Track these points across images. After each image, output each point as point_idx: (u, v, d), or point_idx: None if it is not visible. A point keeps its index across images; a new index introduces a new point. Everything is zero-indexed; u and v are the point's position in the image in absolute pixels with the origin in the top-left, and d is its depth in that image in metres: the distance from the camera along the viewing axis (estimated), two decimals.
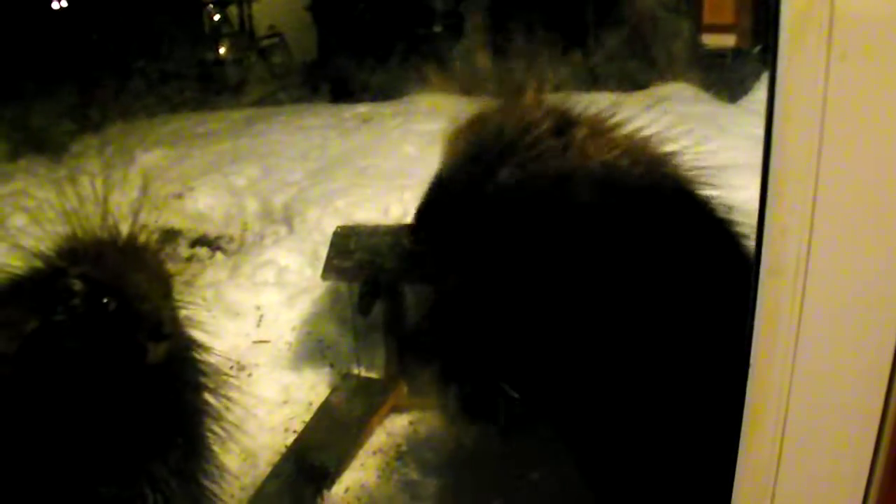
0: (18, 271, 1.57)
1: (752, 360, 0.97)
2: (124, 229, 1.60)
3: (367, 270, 2.58)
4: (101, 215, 1.59)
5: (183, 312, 1.72)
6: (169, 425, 1.70)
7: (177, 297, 1.67)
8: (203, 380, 1.78)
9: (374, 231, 2.73)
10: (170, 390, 1.69)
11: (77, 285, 1.49)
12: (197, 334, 1.78)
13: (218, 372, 1.81)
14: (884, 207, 0.87)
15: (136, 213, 1.63)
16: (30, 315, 1.49)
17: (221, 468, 1.87)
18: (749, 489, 1.05)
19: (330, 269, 2.63)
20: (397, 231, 2.73)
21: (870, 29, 0.81)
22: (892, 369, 0.95)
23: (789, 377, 0.97)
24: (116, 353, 1.49)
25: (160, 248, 1.70)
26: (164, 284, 1.62)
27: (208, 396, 1.80)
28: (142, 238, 1.64)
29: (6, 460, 1.54)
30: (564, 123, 1.60)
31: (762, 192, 0.90)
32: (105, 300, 1.48)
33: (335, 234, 2.72)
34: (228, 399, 1.82)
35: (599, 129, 1.63)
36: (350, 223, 2.93)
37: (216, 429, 1.83)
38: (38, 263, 1.59)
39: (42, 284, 1.52)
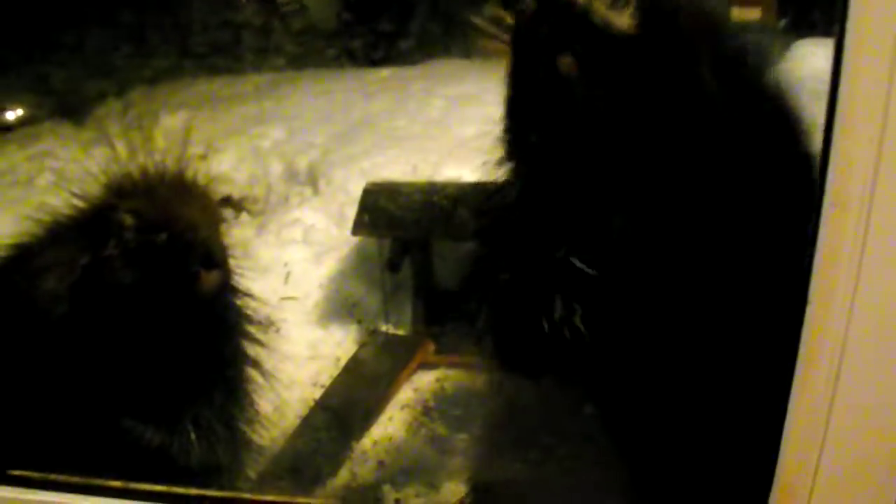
0: (69, 211, 1.59)
1: (810, 297, 0.97)
2: (171, 166, 1.62)
3: (398, 227, 2.59)
4: (146, 154, 1.61)
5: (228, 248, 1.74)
6: (215, 367, 1.72)
7: (223, 230, 1.68)
8: (245, 325, 1.80)
9: (405, 188, 2.74)
10: (216, 331, 1.71)
11: (128, 220, 1.51)
12: (239, 281, 1.80)
13: (258, 319, 1.83)
14: None
15: (182, 149, 1.64)
16: (82, 252, 1.52)
17: (259, 415, 1.90)
18: (800, 430, 1.06)
19: (360, 225, 2.65)
20: (427, 188, 2.74)
21: None
22: None
23: (847, 316, 0.97)
24: (170, 281, 1.52)
25: (207, 181, 1.71)
26: (211, 216, 1.63)
27: (248, 343, 1.82)
28: (188, 173, 1.66)
29: (63, 394, 1.57)
30: None
31: (827, 125, 0.90)
32: (156, 232, 1.50)
33: (365, 190, 2.74)
34: (266, 346, 1.84)
35: None
36: (380, 180, 2.93)
37: (255, 375, 1.86)
38: (85, 204, 1.61)
39: (93, 221, 1.54)
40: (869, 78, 0.84)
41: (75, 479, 1.44)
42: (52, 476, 1.45)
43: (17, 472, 1.48)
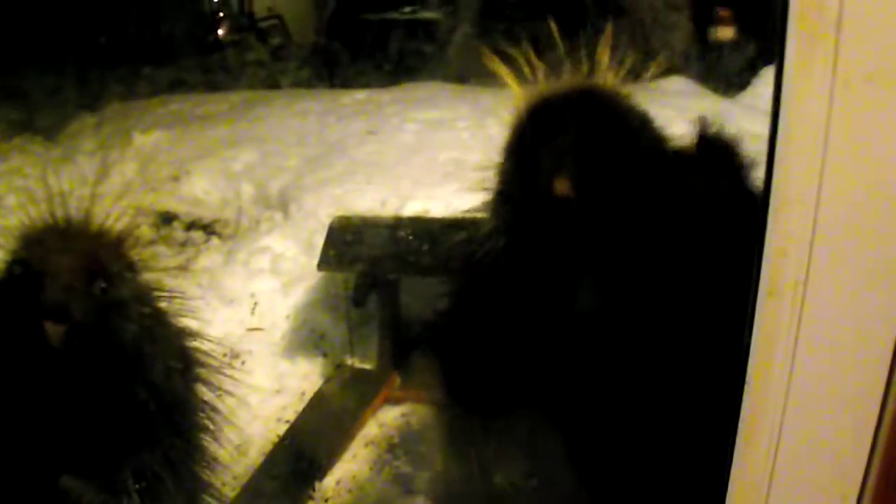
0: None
1: (748, 377, 0.97)
2: (77, 213, 1.60)
3: (364, 262, 2.58)
4: (51, 199, 1.59)
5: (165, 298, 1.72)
6: (156, 415, 1.70)
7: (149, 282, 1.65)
8: (195, 369, 1.78)
9: (371, 222, 2.73)
10: (157, 379, 1.68)
11: (16, 269, 1.51)
12: (189, 322, 1.78)
13: (211, 361, 1.81)
14: (882, 230, 0.88)
15: (93, 196, 1.62)
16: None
17: (214, 458, 1.88)
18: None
19: (326, 260, 2.63)
20: (394, 223, 2.73)
21: (875, 55, 0.81)
22: (885, 389, 0.95)
23: (785, 394, 0.97)
24: (17, 333, 1.50)
25: (120, 233, 1.67)
26: (100, 266, 1.58)
27: (200, 386, 1.80)
28: (93, 222, 1.63)
29: None
30: None
31: (762, 214, 0.90)
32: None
33: (332, 225, 2.72)
34: (221, 389, 1.82)
35: None
36: (347, 214, 2.92)
37: (208, 418, 1.84)
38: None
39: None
40: (800, 172, 0.84)
41: None
42: None
43: None
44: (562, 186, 1.36)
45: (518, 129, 1.47)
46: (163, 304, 1.77)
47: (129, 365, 1.62)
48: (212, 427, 1.85)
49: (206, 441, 1.85)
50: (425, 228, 2.62)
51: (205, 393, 1.82)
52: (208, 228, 3.95)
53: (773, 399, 0.97)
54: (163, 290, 1.77)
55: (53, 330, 1.50)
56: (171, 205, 4.01)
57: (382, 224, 2.70)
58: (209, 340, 1.80)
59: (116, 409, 1.62)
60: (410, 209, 3.15)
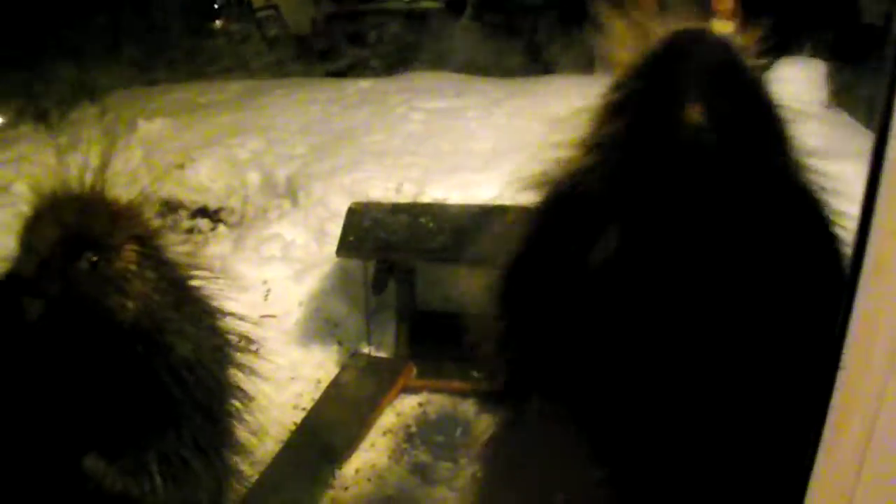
0: None
1: (843, 363, 0.93)
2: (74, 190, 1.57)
3: (384, 249, 2.55)
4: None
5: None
6: (182, 397, 1.66)
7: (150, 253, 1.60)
8: (227, 350, 1.74)
9: (390, 209, 2.69)
10: (181, 359, 1.64)
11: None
12: (219, 302, 1.74)
13: (242, 343, 1.78)
14: None
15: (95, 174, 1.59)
16: None
17: (241, 444, 1.85)
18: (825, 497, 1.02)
19: (345, 247, 2.59)
20: (413, 209, 2.70)
21: None
22: None
23: (882, 383, 0.93)
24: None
25: (123, 208, 1.63)
26: (89, 239, 1.54)
27: (231, 368, 1.77)
28: (87, 197, 1.59)
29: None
30: None
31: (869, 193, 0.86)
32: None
33: (350, 211, 2.69)
34: (252, 372, 1.79)
35: None
36: (364, 200, 2.89)
37: (238, 403, 1.80)
38: None
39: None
40: None
41: None
42: None
43: None
44: (693, 114, 1.26)
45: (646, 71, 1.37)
46: (188, 283, 1.73)
47: (143, 342, 1.57)
48: (241, 412, 1.82)
49: (235, 426, 1.82)
50: (447, 215, 2.59)
51: (235, 376, 1.78)
52: (214, 216, 3.91)
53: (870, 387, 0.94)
54: (186, 268, 1.73)
55: (29, 304, 1.47)
56: (176, 192, 3.97)
57: (402, 210, 2.67)
58: (242, 320, 1.76)
59: (137, 389, 1.59)
60: (429, 196, 3.12)
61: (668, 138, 1.29)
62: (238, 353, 1.78)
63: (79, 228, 1.52)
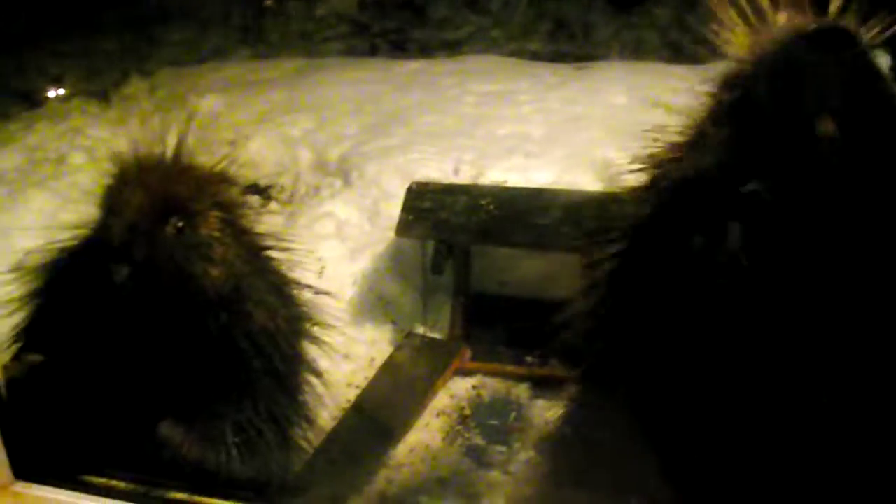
0: None
1: None
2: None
3: (444, 230, 2.53)
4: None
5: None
6: (260, 367, 1.66)
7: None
8: (304, 323, 1.74)
9: (449, 190, 2.68)
10: (259, 328, 1.65)
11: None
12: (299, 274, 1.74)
13: (319, 317, 1.77)
14: None
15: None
16: None
17: (313, 418, 1.85)
18: None
19: (404, 226, 2.58)
20: (472, 191, 2.68)
21: None
22: None
23: None
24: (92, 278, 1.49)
25: (207, 174, 1.63)
26: (176, 204, 1.54)
27: (307, 341, 1.77)
28: (168, 163, 1.59)
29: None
30: None
31: None
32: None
33: (409, 191, 2.68)
34: (328, 347, 1.78)
35: None
36: (424, 180, 2.87)
37: (312, 377, 1.80)
38: None
39: None
40: None
41: (141, 489, 1.40)
42: (116, 483, 1.41)
43: (90, 479, 1.44)
44: (827, 126, 1.17)
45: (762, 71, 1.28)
46: (266, 252, 1.74)
47: (225, 310, 1.58)
48: (312, 386, 1.82)
49: (306, 399, 1.82)
50: (507, 197, 2.57)
51: (311, 349, 1.79)
52: (265, 193, 3.91)
53: None
54: (264, 238, 1.74)
55: (116, 269, 1.47)
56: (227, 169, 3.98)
57: (461, 192, 2.65)
58: (324, 294, 1.76)
59: (217, 357, 1.59)
60: (487, 178, 3.10)
61: (796, 151, 1.22)
62: (312, 326, 1.78)
63: (165, 194, 1.53)
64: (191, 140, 1.73)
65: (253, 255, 1.67)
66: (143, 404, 1.60)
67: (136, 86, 5.01)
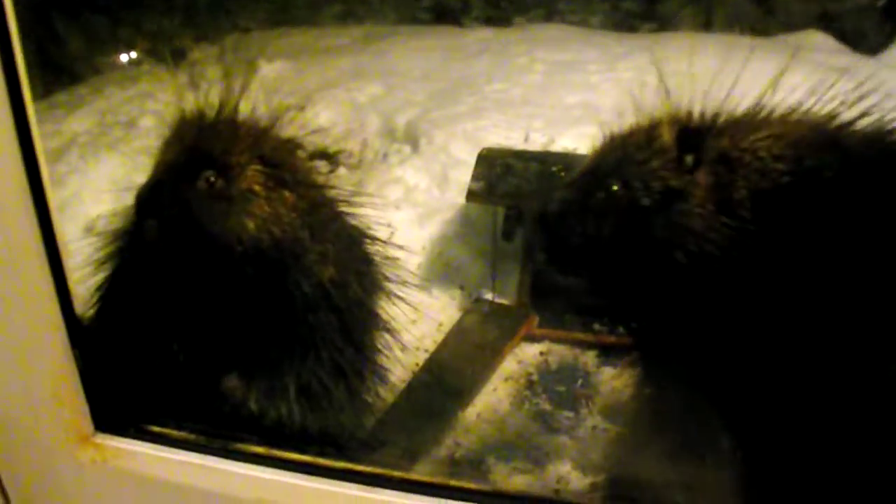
0: None
1: None
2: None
3: (513, 196, 2.53)
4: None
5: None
6: (323, 321, 1.65)
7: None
8: (376, 277, 1.74)
9: (521, 156, 2.67)
10: (319, 281, 1.63)
11: None
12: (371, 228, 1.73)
13: (394, 272, 1.77)
14: None
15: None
16: None
17: (385, 378, 1.85)
18: None
19: (475, 193, 2.58)
20: (544, 158, 2.66)
21: None
22: None
23: None
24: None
25: (252, 128, 1.62)
26: (208, 158, 1.54)
27: (380, 297, 1.76)
28: (216, 114, 1.60)
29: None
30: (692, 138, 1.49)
31: None
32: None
33: (480, 156, 2.67)
34: (403, 302, 1.77)
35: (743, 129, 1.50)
36: (495, 147, 2.87)
37: (380, 330, 1.80)
38: None
39: None
40: None
41: (216, 443, 1.42)
42: (193, 436, 1.43)
43: (156, 429, 1.47)
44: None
45: None
46: (334, 208, 1.72)
47: (271, 264, 1.56)
48: (386, 342, 1.82)
49: (379, 355, 1.81)
50: (578, 165, 2.55)
51: (385, 307, 1.78)
52: (333, 159, 3.93)
53: None
54: (333, 193, 1.72)
55: (148, 225, 1.48)
56: (295, 134, 4.00)
57: (533, 158, 2.64)
58: (399, 247, 1.74)
59: (270, 312, 1.59)
60: (558, 146, 3.08)
61: None
62: (387, 282, 1.77)
63: (198, 148, 1.52)
64: (258, 104, 1.73)
65: (314, 209, 1.64)
66: (209, 359, 1.61)
67: (204, 50, 5.04)
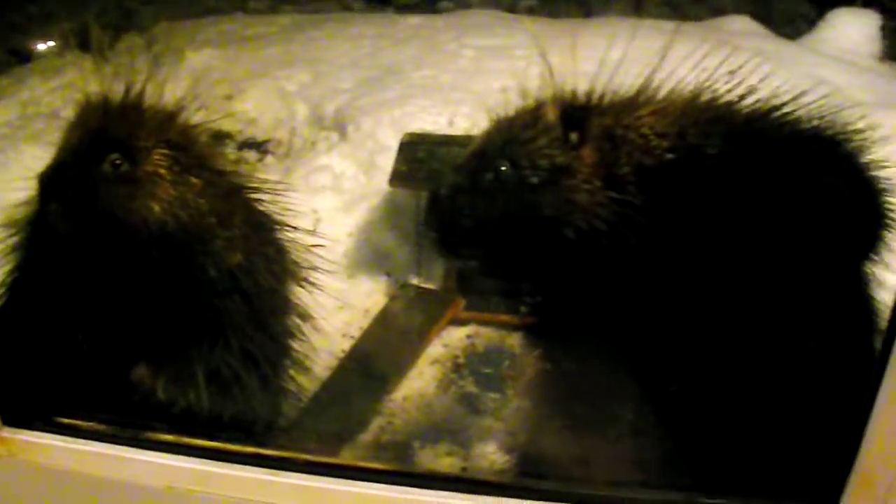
0: None
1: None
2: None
3: (436, 180, 2.53)
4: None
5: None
6: (232, 307, 1.65)
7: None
8: (286, 263, 1.74)
9: (444, 140, 2.68)
10: (225, 266, 1.63)
11: None
12: (283, 215, 1.73)
13: (306, 259, 1.77)
14: None
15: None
16: None
17: (301, 365, 1.85)
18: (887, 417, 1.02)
19: (397, 177, 2.59)
20: (466, 142, 2.67)
21: None
22: None
23: None
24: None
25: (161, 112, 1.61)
26: (113, 141, 1.53)
27: (292, 283, 1.76)
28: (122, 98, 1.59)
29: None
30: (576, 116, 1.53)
31: None
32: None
33: (403, 141, 2.68)
34: (317, 288, 1.77)
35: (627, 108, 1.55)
36: (418, 132, 2.87)
37: (299, 320, 1.80)
38: None
39: None
40: None
41: (127, 432, 1.42)
42: (102, 426, 1.43)
43: (65, 421, 1.46)
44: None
45: None
46: (244, 194, 1.72)
47: (177, 249, 1.55)
48: (299, 328, 1.82)
49: (292, 342, 1.82)
50: None
51: (297, 293, 1.78)
52: (262, 147, 3.91)
53: None
54: (242, 180, 1.71)
55: (51, 208, 1.47)
56: (223, 123, 3.97)
57: (455, 143, 2.65)
58: (311, 232, 1.74)
59: (177, 298, 1.58)
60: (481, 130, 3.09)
61: None
62: (299, 268, 1.77)
63: (103, 131, 1.50)
64: (185, 94, 1.72)
65: (223, 195, 1.63)
66: (116, 348, 1.60)
67: (131, 40, 4.97)
